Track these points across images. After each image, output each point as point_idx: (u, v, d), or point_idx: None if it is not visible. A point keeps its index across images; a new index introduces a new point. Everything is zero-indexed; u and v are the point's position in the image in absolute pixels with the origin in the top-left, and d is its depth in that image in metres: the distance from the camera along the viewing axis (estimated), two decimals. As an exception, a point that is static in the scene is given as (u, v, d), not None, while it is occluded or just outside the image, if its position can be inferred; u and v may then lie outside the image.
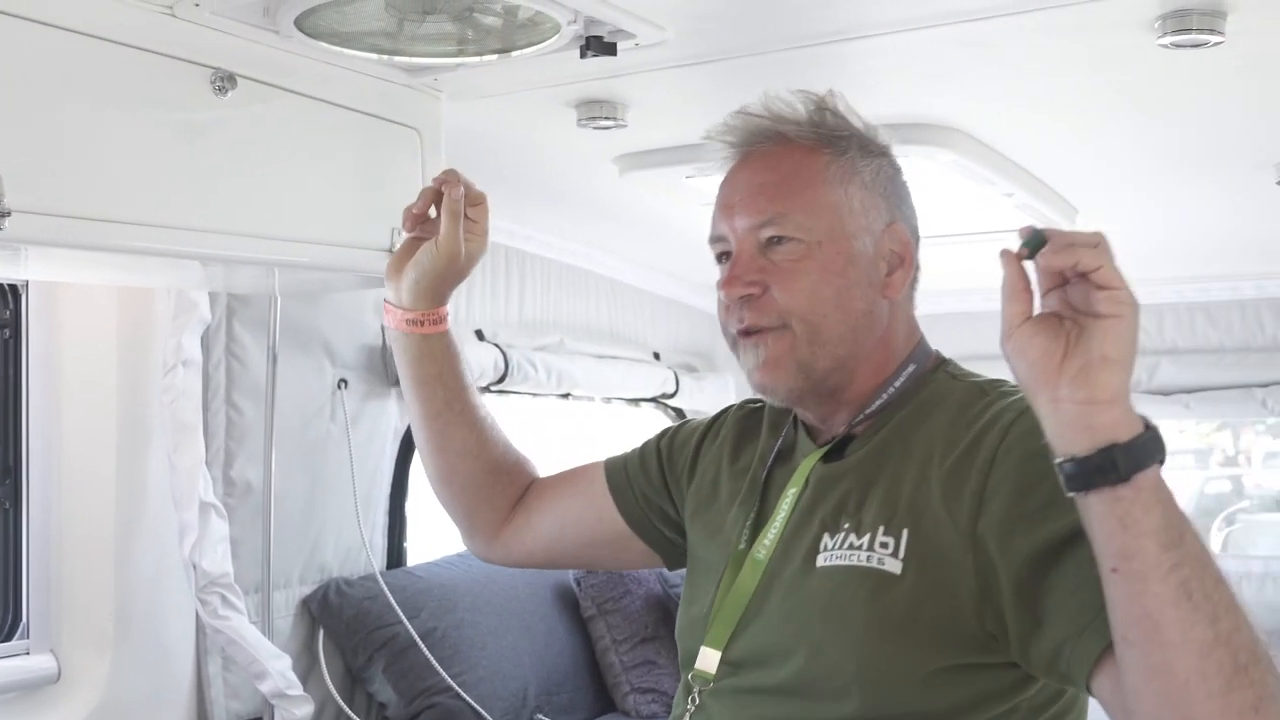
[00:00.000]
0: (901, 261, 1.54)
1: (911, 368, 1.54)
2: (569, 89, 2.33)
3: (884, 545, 1.38)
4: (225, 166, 1.96)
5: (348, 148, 2.18)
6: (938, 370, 1.56)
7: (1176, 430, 8.97)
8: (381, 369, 3.25)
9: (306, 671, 3.02)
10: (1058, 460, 1.14)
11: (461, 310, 3.51)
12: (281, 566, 2.97)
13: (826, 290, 1.49)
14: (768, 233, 1.50)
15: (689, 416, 4.59)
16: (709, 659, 1.49)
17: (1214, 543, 7.78)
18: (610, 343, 4.12)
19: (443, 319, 1.85)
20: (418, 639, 3.04)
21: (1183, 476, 8.98)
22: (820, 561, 1.43)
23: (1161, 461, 1.13)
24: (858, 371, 1.52)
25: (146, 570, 2.64)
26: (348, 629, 3.08)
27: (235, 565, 2.72)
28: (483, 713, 3.04)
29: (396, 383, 3.26)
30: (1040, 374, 1.15)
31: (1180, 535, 1.10)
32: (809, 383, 1.50)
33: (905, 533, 1.37)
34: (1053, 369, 1.14)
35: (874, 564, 1.38)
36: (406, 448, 3.39)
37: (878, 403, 1.51)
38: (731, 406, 1.81)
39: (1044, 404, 1.14)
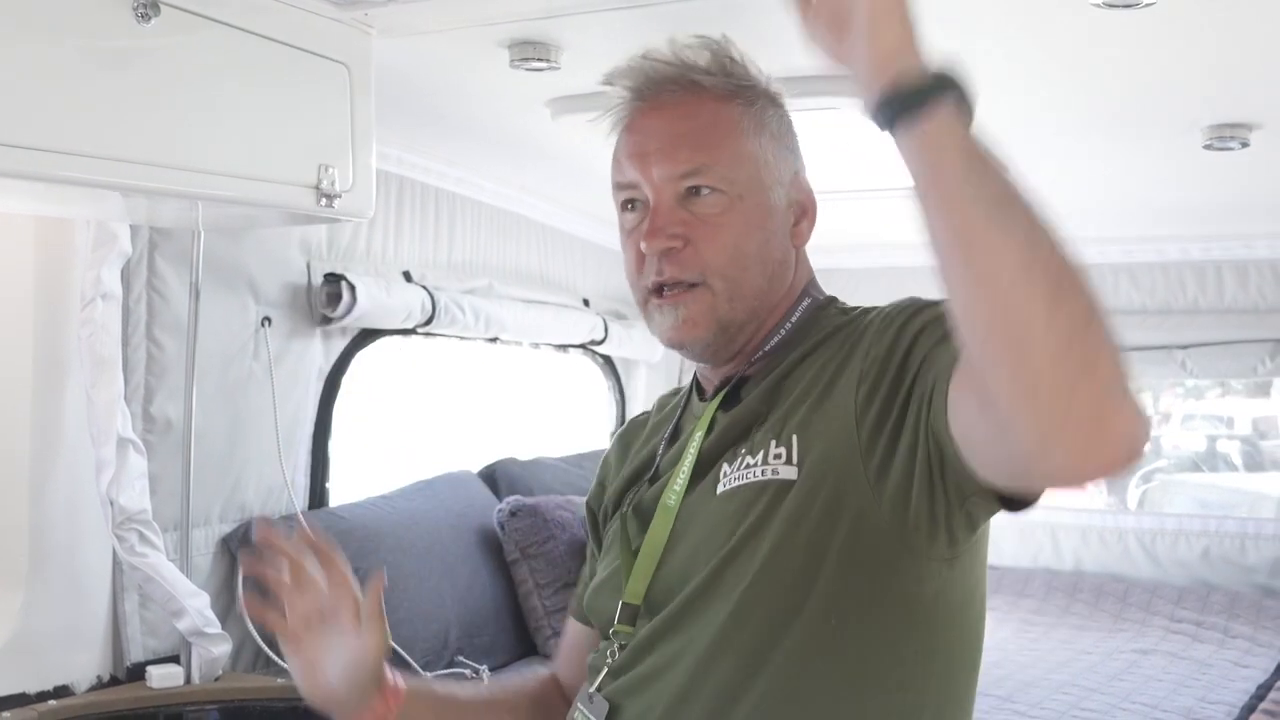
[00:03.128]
0: (805, 211, 1.54)
1: (806, 302, 1.53)
2: (502, 29, 2.31)
3: (777, 456, 1.38)
4: (148, 96, 1.92)
5: (275, 81, 2.14)
6: (829, 307, 1.55)
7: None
8: (306, 308, 3.22)
9: (225, 610, 3.00)
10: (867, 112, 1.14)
11: (390, 251, 3.49)
12: (201, 504, 2.95)
13: (749, 245, 1.47)
14: (690, 183, 1.47)
15: (616, 363, 4.61)
16: (629, 613, 1.46)
17: (1130, 501, 7.94)
18: (540, 288, 4.11)
19: (399, 693, 1.59)
20: (339, 580, 3.03)
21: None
22: (720, 489, 1.42)
23: (965, 100, 1.13)
24: (766, 320, 1.51)
25: (62, 506, 2.61)
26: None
27: (154, 502, 2.69)
28: (403, 654, 3.04)
29: (322, 322, 3.24)
30: (833, 42, 1.18)
31: (985, 164, 1.09)
32: (724, 337, 1.49)
33: (795, 439, 1.37)
34: (840, 30, 1.16)
35: (769, 475, 1.37)
36: (330, 388, 3.37)
37: (773, 341, 1.51)
38: (616, 433, 1.80)
39: (848, 68, 1.18)
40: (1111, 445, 0.98)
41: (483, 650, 3.28)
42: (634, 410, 4.72)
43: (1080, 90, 2.64)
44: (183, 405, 2.82)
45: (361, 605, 1.59)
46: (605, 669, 1.47)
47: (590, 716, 1.45)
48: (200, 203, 2.34)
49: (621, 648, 1.46)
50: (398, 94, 2.62)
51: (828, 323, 1.50)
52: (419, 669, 3.04)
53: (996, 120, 2.93)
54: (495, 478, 3.89)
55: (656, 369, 4.79)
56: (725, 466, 1.44)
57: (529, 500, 3.61)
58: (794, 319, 1.51)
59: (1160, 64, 2.45)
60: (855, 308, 1.53)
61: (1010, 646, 3.96)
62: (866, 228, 4.44)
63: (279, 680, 2.90)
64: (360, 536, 3.19)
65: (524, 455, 4.09)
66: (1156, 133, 2.94)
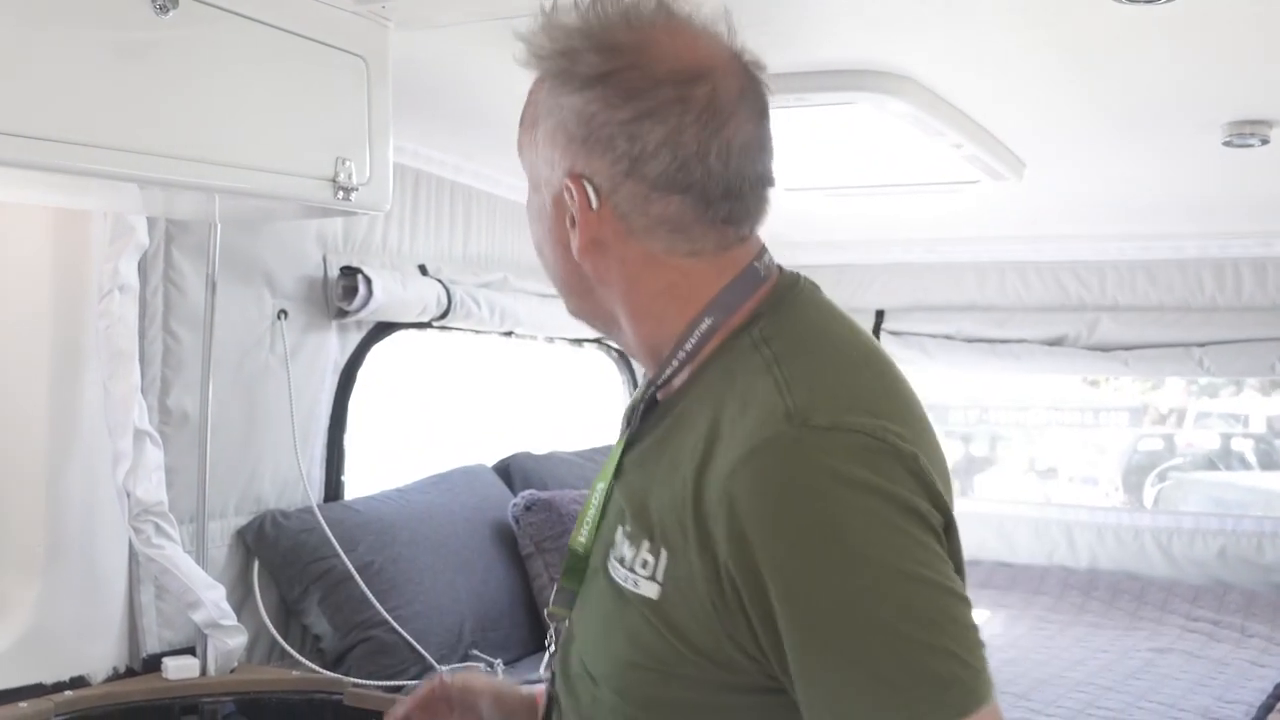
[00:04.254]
0: (581, 222, 1.27)
1: (705, 324, 1.26)
2: (521, 21, 2.30)
3: (644, 564, 1.21)
4: (166, 88, 1.92)
5: (292, 74, 2.14)
6: (750, 327, 1.26)
7: (1112, 388, 9.10)
8: (322, 301, 3.22)
9: (241, 602, 3.01)
10: None
11: (406, 244, 3.49)
12: (217, 496, 2.95)
13: (536, 238, 1.36)
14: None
15: (630, 357, 4.60)
16: (564, 597, 1.42)
17: (1146, 499, 7.91)
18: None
19: None
20: (354, 572, 3.04)
21: (1116, 434, 9.11)
22: (609, 565, 1.28)
23: None
24: (624, 329, 1.33)
25: (79, 497, 2.61)
26: (283, 561, 3.07)
27: (170, 494, 2.69)
28: (418, 647, 3.04)
29: (338, 315, 3.25)
30: None
31: None
32: (592, 325, 1.39)
33: (662, 553, 1.19)
34: None
35: (633, 585, 1.22)
36: (346, 380, 3.37)
37: (669, 371, 1.29)
38: None
39: None
40: None
41: (497, 644, 3.28)
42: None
43: (1101, 87, 2.62)
44: (199, 397, 2.83)
45: None
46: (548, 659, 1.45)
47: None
48: (217, 195, 2.35)
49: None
50: (415, 87, 2.62)
51: (736, 359, 1.24)
52: (434, 662, 3.05)
53: (1016, 117, 2.94)
54: (510, 471, 3.89)
55: None
56: (616, 536, 1.28)
57: (544, 494, 3.61)
58: (688, 346, 1.27)
59: (1180, 61, 2.43)
60: (781, 332, 1.25)
61: (1025, 644, 3.95)
62: (877, 223, 4.43)
63: (294, 672, 2.91)
64: (375, 530, 3.20)
65: (539, 449, 4.09)
66: (1176, 130, 2.93)
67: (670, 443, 1.25)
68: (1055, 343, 4.54)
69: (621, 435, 1.38)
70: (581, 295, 1.33)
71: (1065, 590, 4.60)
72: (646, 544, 1.21)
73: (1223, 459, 8.84)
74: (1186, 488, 7.87)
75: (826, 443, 1.11)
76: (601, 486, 1.36)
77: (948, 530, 1.15)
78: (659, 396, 1.32)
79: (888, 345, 4.71)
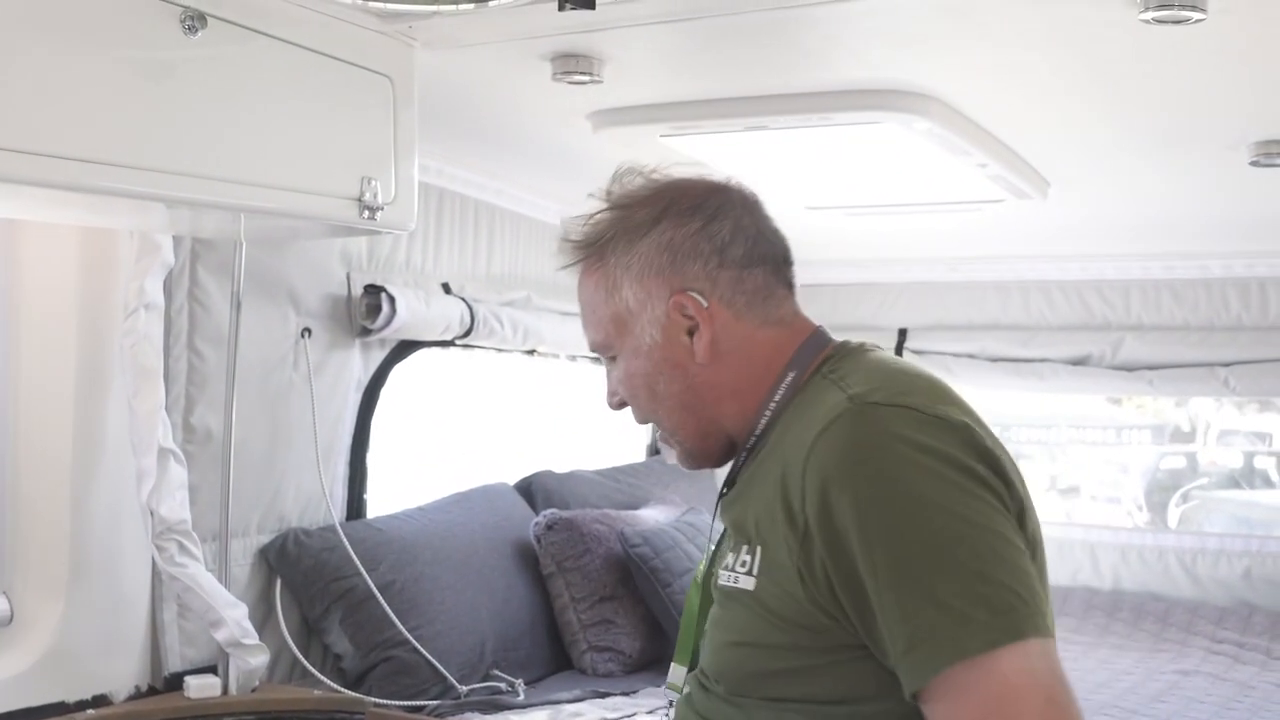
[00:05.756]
0: (697, 327, 1.53)
1: (790, 377, 1.52)
2: (545, 42, 2.31)
3: (743, 564, 1.44)
4: (193, 108, 1.93)
5: (319, 94, 2.15)
6: (819, 371, 1.51)
7: (1135, 406, 9.05)
8: (346, 319, 3.23)
9: (262, 621, 3.01)
10: None
11: (429, 262, 3.50)
12: (240, 515, 2.95)
13: (646, 392, 1.58)
14: (603, 355, 1.64)
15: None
16: (678, 674, 1.65)
17: (1170, 519, 7.85)
18: (577, 300, 4.10)
19: None
20: (376, 591, 3.04)
21: (1139, 452, 9.05)
22: (718, 582, 1.51)
23: None
24: (728, 421, 1.55)
25: (103, 515, 2.62)
26: (305, 579, 3.07)
27: (193, 512, 2.70)
28: (439, 666, 3.04)
29: (361, 333, 3.25)
30: None
31: None
32: (708, 456, 1.61)
33: (758, 551, 1.42)
34: None
35: (735, 583, 1.45)
36: (369, 399, 3.37)
37: (761, 423, 1.52)
38: None
39: None
40: None
41: (518, 664, 3.27)
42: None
43: (1127, 106, 2.61)
44: (223, 416, 2.83)
45: None
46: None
47: None
48: (243, 214, 2.35)
49: (674, 702, 1.65)
50: (439, 106, 2.63)
51: (811, 394, 1.48)
52: (455, 682, 3.04)
53: (1041, 136, 2.93)
54: (532, 490, 3.88)
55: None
56: (725, 557, 1.51)
57: (565, 513, 3.60)
58: (777, 398, 1.52)
59: (1208, 80, 2.42)
60: (841, 369, 1.49)
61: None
62: (901, 242, 4.42)
63: (315, 691, 2.91)
64: (397, 548, 3.19)
65: (560, 468, 4.08)
66: (1202, 149, 2.91)
67: (760, 470, 1.48)
68: (1079, 362, 4.51)
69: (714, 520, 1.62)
70: (703, 407, 1.55)
71: (1089, 611, 4.57)
72: (745, 547, 1.44)
73: (1246, 478, 8.78)
74: (1210, 507, 7.81)
75: (885, 414, 1.36)
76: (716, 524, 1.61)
77: (1013, 499, 1.35)
78: (743, 461, 1.55)
79: (910, 364, 4.70)
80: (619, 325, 1.57)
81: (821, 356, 1.53)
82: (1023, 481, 1.40)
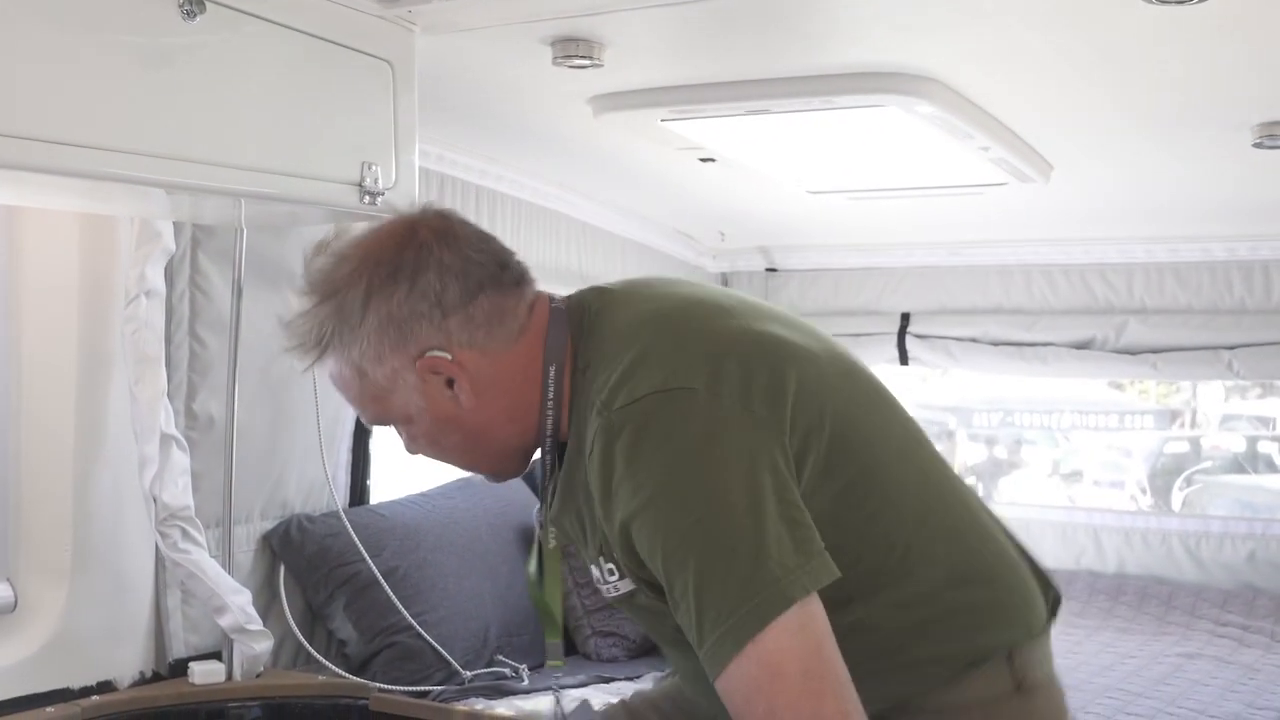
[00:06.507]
0: (452, 382, 1.58)
1: (553, 371, 1.59)
2: (545, 25, 2.30)
3: (611, 573, 1.56)
4: (193, 93, 1.92)
5: (319, 79, 2.14)
6: (576, 366, 1.59)
7: (1138, 391, 9.05)
8: (348, 305, 3.22)
9: (266, 607, 3.01)
10: None
11: (431, 249, 3.48)
12: (243, 501, 2.95)
13: (434, 451, 1.66)
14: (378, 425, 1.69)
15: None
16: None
17: (1174, 503, 7.85)
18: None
19: None
20: (380, 577, 3.04)
21: (1142, 437, 9.05)
22: (608, 596, 1.61)
23: None
24: (514, 441, 1.64)
25: (106, 502, 2.62)
26: (309, 565, 3.07)
27: (196, 499, 2.70)
28: (443, 652, 3.04)
29: (363, 319, 3.24)
30: None
31: None
32: (512, 473, 1.72)
33: (612, 556, 1.53)
34: None
35: (620, 591, 1.57)
36: (372, 385, 3.37)
37: (549, 423, 1.59)
38: None
39: None
40: None
41: (522, 650, 3.27)
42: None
43: (1130, 88, 2.60)
44: (225, 402, 2.83)
45: None
46: None
47: None
48: (244, 200, 2.34)
49: None
50: (439, 91, 2.62)
51: (579, 414, 1.55)
52: (459, 668, 3.04)
53: (1044, 119, 2.91)
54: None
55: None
56: (587, 556, 1.62)
57: (568, 499, 3.60)
58: (550, 395, 1.58)
59: (1211, 61, 2.41)
60: (591, 371, 1.55)
61: (1053, 649, 3.92)
62: (902, 226, 4.41)
63: (319, 677, 2.91)
64: (400, 534, 3.20)
65: (563, 454, 4.08)
66: (1205, 131, 2.90)
67: (570, 481, 1.58)
68: (1082, 346, 4.50)
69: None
70: (493, 434, 1.61)
71: (1093, 595, 4.57)
72: (601, 559, 1.55)
73: (1249, 461, 8.78)
74: (1214, 491, 7.82)
75: (636, 412, 1.44)
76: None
77: (775, 415, 1.46)
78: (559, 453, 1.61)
79: (913, 349, 4.70)
80: (380, 402, 1.61)
81: (570, 341, 1.59)
82: (796, 380, 1.49)
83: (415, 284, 1.54)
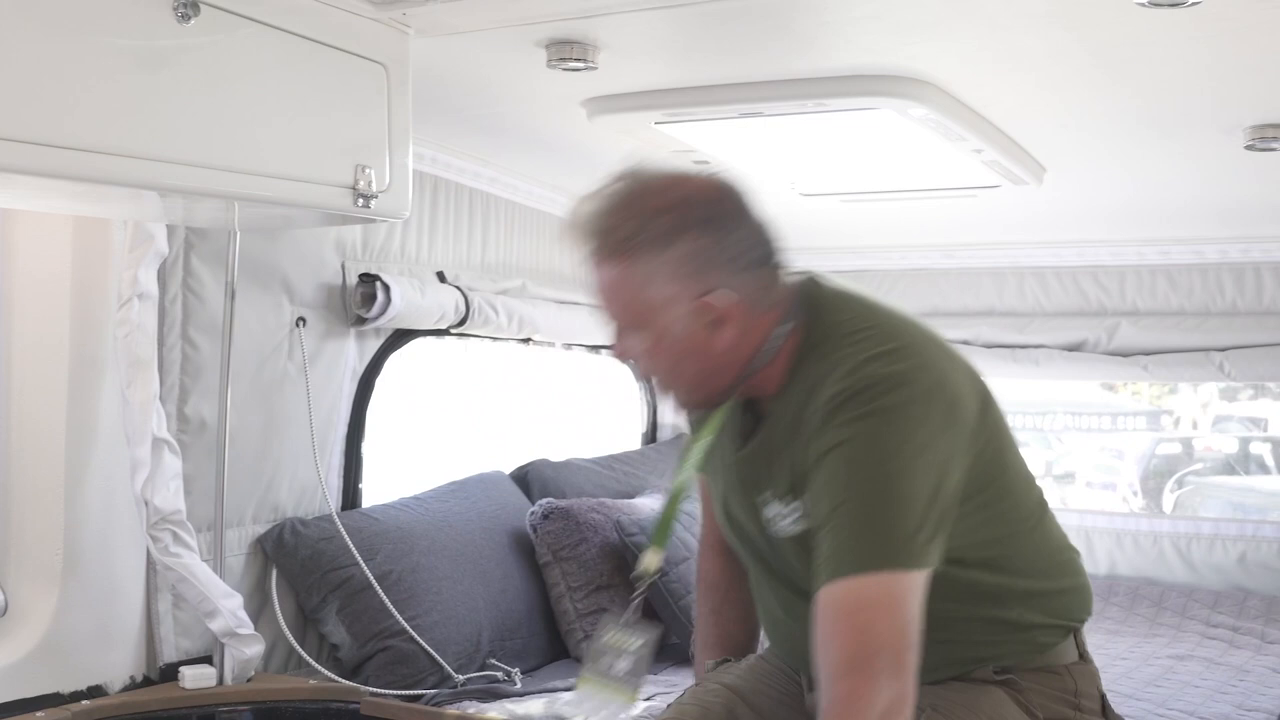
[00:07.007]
0: (722, 322, 1.79)
1: (786, 326, 1.82)
2: (539, 28, 2.29)
3: (795, 511, 1.79)
4: (186, 96, 1.92)
5: (313, 82, 2.14)
6: (805, 338, 1.82)
7: (1130, 392, 9.06)
8: (341, 308, 3.21)
9: (258, 611, 3.01)
10: None
11: (424, 251, 3.48)
12: (235, 505, 2.95)
13: (663, 366, 1.84)
14: (616, 328, 1.86)
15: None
16: (655, 558, 2.03)
17: (1165, 504, 7.85)
18: (573, 288, 4.09)
19: None
20: (373, 581, 3.03)
21: (1135, 439, 9.07)
22: (777, 533, 1.84)
23: None
24: (733, 384, 1.84)
25: (97, 506, 2.61)
26: (302, 569, 3.07)
27: (188, 503, 2.69)
28: (436, 656, 3.03)
29: (356, 322, 3.24)
30: None
31: None
32: (707, 407, 1.92)
33: (802, 500, 1.77)
34: None
35: (797, 530, 1.79)
36: (364, 388, 3.37)
37: (760, 365, 1.83)
38: None
39: None
40: None
41: (515, 654, 3.27)
42: (665, 412, 4.71)
43: (1123, 90, 2.61)
44: (217, 406, 2.82)
45: None
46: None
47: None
48: (237, 203, 2.34)
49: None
50: (434, 94, 2.62)
51: (804, 367, 1.80)
52: (452, 671, 3.04)
53: (1037, 122, 2.91)
54: (528, 479, 3.88)
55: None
56: (758, 495, 1.87)
57: (561, 502, 3.60)
58: (771, 355, 1.82)
59: (1204, 64, 2.42)
60: (824, 349, 1.79)
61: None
62: (895, 228, 4.41)
63: (311, 681, 2.91)
64: (393, 538, 3.19)
65: (556, 457, 4.07)
66: (1198, 133, 2.90)
67: (782, 422, 1.82)
68: (1075, 348, 4.51)
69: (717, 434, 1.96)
70: (716, 380, 1.83)
71: (1085, 597, 4.57)
72: (789, 498, 1.79)
73: (1241, 463, 8.80)
74: (1205, 493, 7.83)
75: (882, 372, 1.70)
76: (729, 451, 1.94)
77: (962, 419, 1.77)
78: (762, 406, 1.87)
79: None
80: (642, 317, 1.79)
81: (802, 319, 1.83)
82: (975, 382, 1.84)
83: (727, 236, 1.77)
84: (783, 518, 1.82)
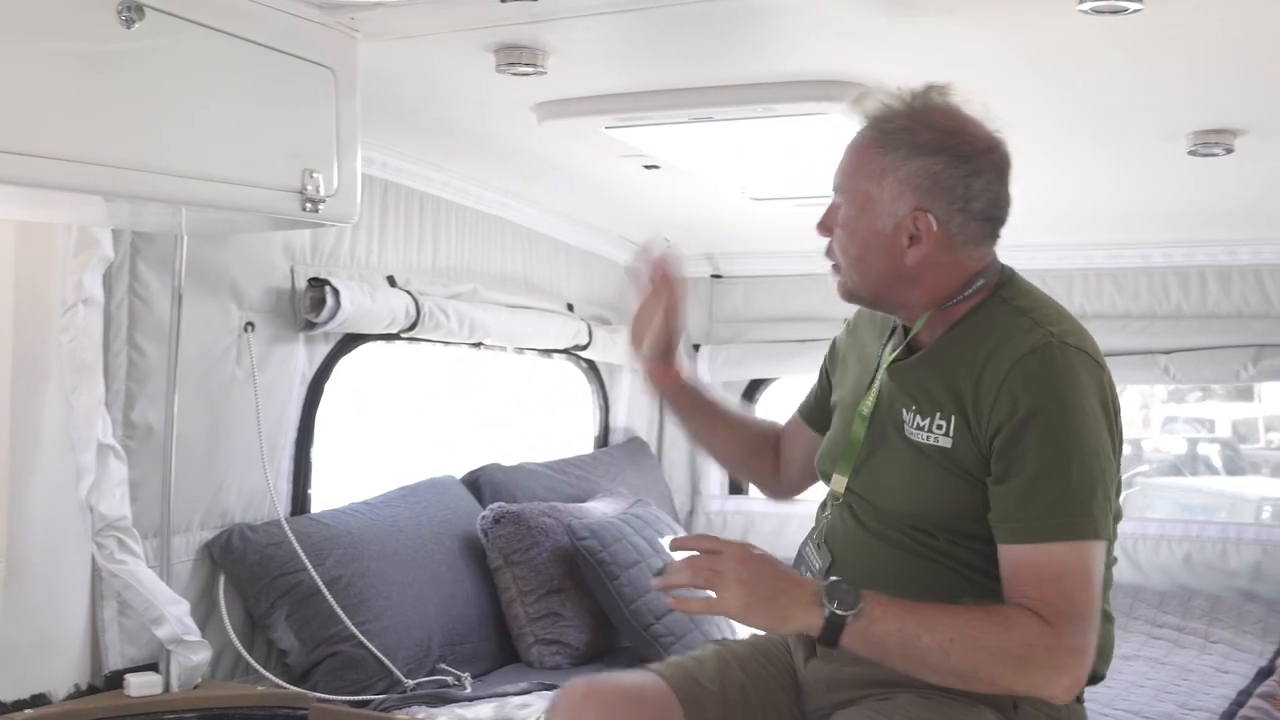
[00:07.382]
0: (918, 240, 1.93)
1: (979, 283, 1.98)
2: (488, 33, 2.30)
3: (939, 427, 1.93)
4: (131, 100, 1.91)
5: (259, 86, 2.13)
6: (995, 294, 1.98)
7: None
8: (290, 313, 3.20)
9: (205, 617, 2.98)
10: None
11: (374, 255, 3.47)
12: (182, 511, 2.93)
13: (853, 249, 1.99)
14: (835, 195, 2.02)
15: (600, 369, 4.59)
16: (839, 483, 2.09)
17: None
18: (524, 293, 4.09)
19: (674, 375, 2.42)
20: (322, 586, 3.02)
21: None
22: (906, 432, 1.98)
23: (856, 612, 1.80)
24: (906, 301, 2.00)
25: (41, 512, 2.58)
26: (250, 575, 3.05)
27: (134, 509, 2.67)
28: (386, 661, 3.02)
29: (305, 327, 3.22)
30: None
31: (884, 647, 1.81)
32: (861, 301, 2.08)
33: (953, 419, 1.91)
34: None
35: (934, 441, 1.93)
36: (313, 393, 3.35)
37: (947, 318, 1.99)
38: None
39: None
40: (1043, 688, 1.86)
41: (465, 658, 3.26)
42: (617, 416, 4.71)
43: (1066, 95, 2.64)
44: (164, 411, 2.80)
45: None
46: (824, 524, 2.14)
47: (817, 559, 2.11)
48: (183, 207, 2.33)
49: (834, 503, 2.12)
50: (383, 98, 2.61)
51: (989, 312, 1.96)
52: (401, 676, 3.03)
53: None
54: (479, 484, 3.87)
55: (640, 374, 4.77)
56: (905, 414, 1.99)
57: (513, 507, 3.59)
58: (968, 293, 1.97)
59: (1146, 70, 2.45)
60: (1015, 297, 1.98)
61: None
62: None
63: (259, 688, 2.89)
64: (344, 543, 3.17)
65: (508, 461, 4.07)
66: (1141, 138, 2.94)
67: (945, 355, 1.96)
68: (1022, 351, 4.55)
69: (890, 345, 2.09)
70: (891, 285, 1.98)
71: (1033, 598, 4.61)
72: (938, 414, 1.93)
73: (1188, 464, 8.90)
74: (1153, 493, 7.90)
75: (1073, 356, 1.88)
76: (883, 374, 2.06)
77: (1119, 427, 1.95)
78: (918, 343, 2.03)
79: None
80: (862, 198, 1.95)
81: (994, 283, 1.99)
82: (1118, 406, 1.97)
83: (972, 180, 1.92)
84: (918, 428, 1.95)
